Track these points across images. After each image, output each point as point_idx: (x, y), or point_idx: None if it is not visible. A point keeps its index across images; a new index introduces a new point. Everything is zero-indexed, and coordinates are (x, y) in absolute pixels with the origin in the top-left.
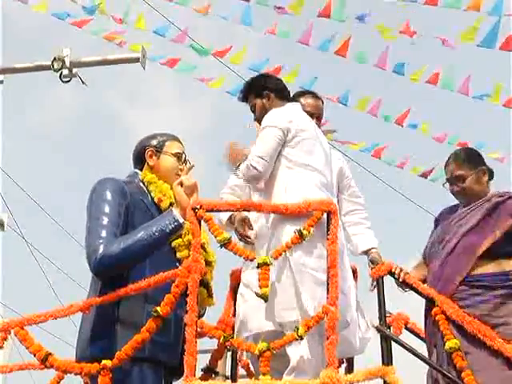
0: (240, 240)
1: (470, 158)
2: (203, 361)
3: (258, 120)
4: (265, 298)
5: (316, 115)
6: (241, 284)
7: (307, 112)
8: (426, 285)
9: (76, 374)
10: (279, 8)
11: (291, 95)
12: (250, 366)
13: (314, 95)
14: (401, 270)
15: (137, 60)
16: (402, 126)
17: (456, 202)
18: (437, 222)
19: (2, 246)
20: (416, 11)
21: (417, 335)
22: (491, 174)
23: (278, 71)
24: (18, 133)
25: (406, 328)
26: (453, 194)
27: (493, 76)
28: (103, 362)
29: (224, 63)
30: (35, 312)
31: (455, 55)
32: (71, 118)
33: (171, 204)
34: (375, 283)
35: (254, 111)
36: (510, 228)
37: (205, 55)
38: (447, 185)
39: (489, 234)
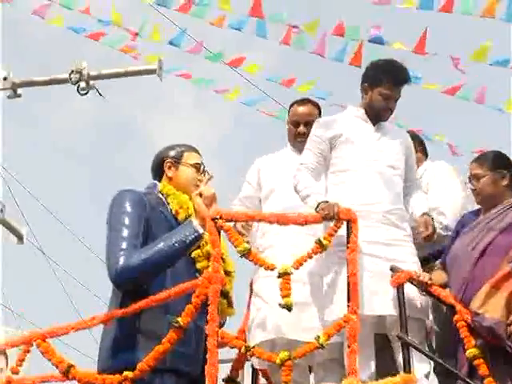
0: None
1: (492, 159)
2: (222, 370)
3: (391, 112)
4: (289, 307)
5: (303, 122)
6: (253, 294)
7: (294, 121)
8: (447, 289)
9: None
10: (294, 27)
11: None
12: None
13: (301, 102)
14: (419, 276)
15: (154, 72)
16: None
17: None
18: (462, 224)
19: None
20: (430, 27)
21: None
22: None
23: (291, 82)
24: (37, 145)
25: None
26: (472, 192)
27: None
28: (125, 373)
29: (239, 73)
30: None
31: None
32: (91, 129)
33: (187, 216)
34: None
35: (394, 101)
36: None
37: (218, 60)
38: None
39: None
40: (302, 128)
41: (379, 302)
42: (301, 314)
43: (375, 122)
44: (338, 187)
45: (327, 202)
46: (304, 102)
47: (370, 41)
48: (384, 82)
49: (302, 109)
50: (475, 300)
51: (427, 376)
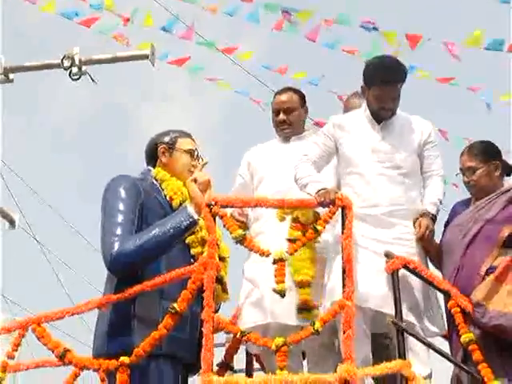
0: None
1: (484, 150)
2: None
3: (392, 112)
4: (282, 293)
5: (282, 110)
6: (244, 279)
7: (275, 109)
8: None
9: (94, 371)
10: (286, 12)
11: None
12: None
13: (281, 91)
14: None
15: (146, 57)
16: None
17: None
18: (452, 213)
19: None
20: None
21: None
22: (508, 170)
23: (285, 69)
24: (29, 131)
25: None
26: (464, 185)
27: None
28: (121, 358)
29: (233, 60)
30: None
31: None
32: (83, 115)
33: (182, 202)
34: None
35: (390, 100)
36: None
37: (211, 47)
38: (460, 175)
39: (509, 223)
40: (281, 116)
41: (374, 295)
42: (292, 298)
43: (380, 121)
44: (343, 189)
45: (325, 188)
46: (284, 90)
47: (361, 26)
48: (374, 83)
49: (280, 97)
50: (477, 291)
51: (426, 378)
